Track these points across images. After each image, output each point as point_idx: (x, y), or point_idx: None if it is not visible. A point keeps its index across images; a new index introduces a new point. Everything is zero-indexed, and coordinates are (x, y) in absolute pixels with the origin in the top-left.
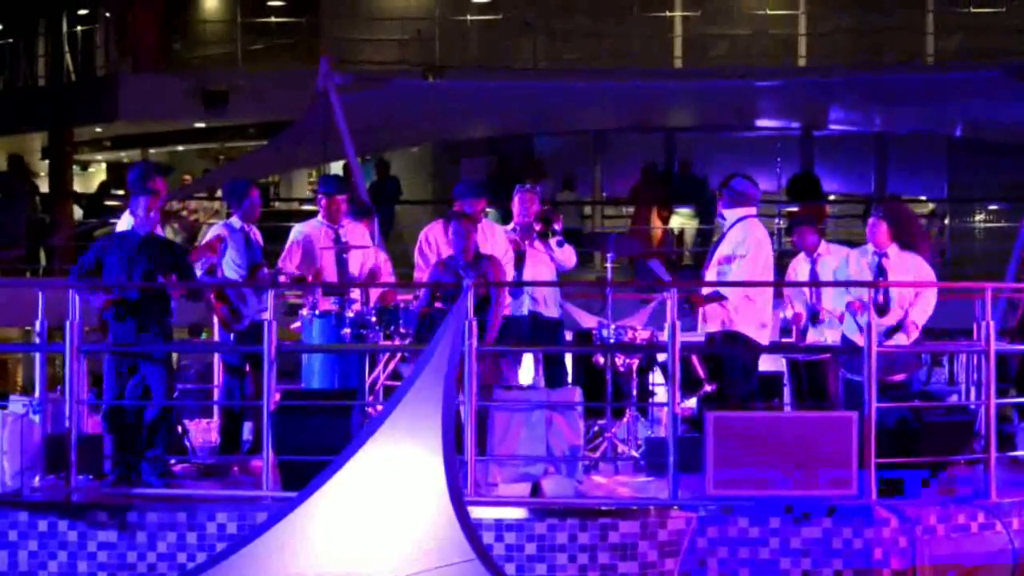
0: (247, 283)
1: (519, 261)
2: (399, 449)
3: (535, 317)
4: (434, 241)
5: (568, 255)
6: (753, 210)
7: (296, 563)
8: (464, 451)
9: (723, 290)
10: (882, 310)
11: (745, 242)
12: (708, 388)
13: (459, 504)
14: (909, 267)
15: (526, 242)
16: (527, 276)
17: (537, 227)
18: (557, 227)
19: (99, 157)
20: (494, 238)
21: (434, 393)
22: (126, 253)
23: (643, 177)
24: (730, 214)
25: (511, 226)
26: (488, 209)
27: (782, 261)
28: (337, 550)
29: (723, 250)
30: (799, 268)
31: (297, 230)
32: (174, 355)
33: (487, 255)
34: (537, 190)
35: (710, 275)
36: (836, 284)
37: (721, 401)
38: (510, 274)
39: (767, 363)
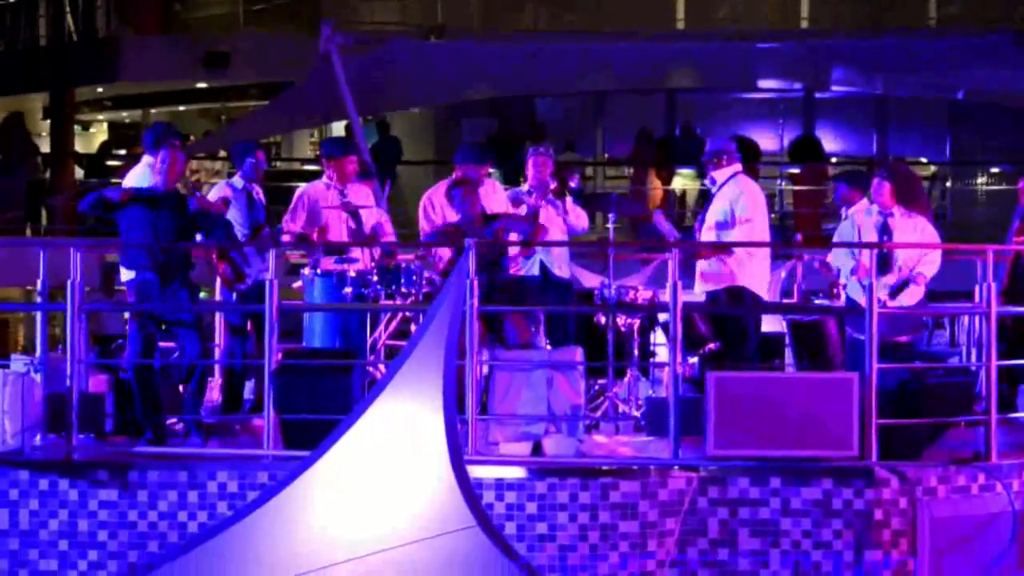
0: (250, 243)
1: (533, 221)
2: (402, 412)
3: (546, 274)
4: (437, 204)
5: (580, 218)
6: (739, 165)
7: (299, 532)
8: (466, 411)
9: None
10: (886, 268)
11: (741, 201)
12: (711, 346)
13: (460, 470)
14: (914, 228)
15: (541, 202)
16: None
17: (553, 185)
18: (573, 185)
19: (100, 117)
20: (496, 198)
21: (436, 354)
22: (150, 209)
23: (643, 139)
24: (720, 175)
25: (525, 187)
26: (491, 170)
27: (784, 222)
28: (340, 518)
29: (719, 207)
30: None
31: (302, 190)
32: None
33: (497, 213)
34: (550, 152)
35: (706, 236)
36: (840, 245)
37: (725, 359)
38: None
39: (769, 324)
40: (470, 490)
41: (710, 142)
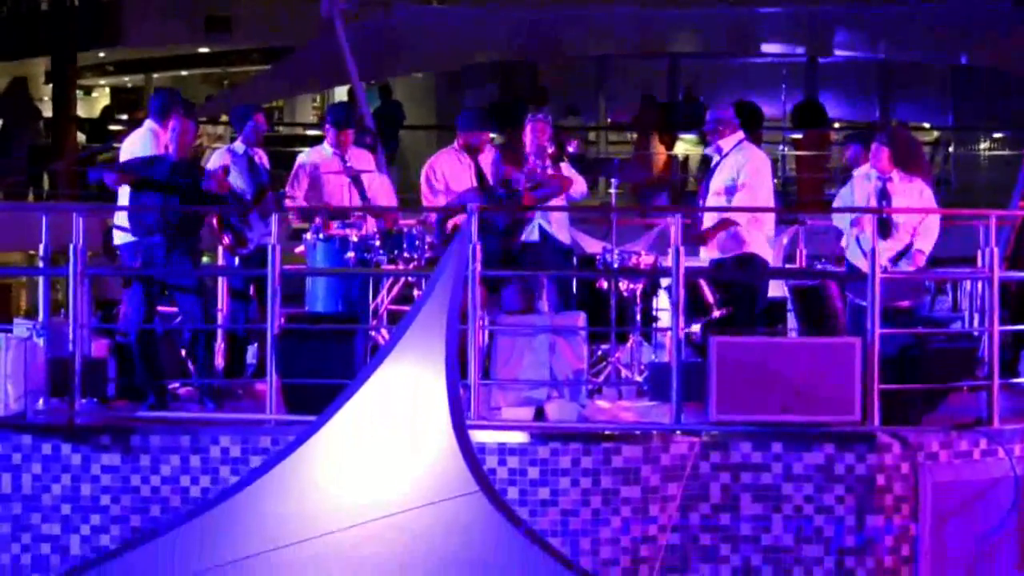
0: (253, 207)
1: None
2: (405, 378)
3: (546, 239)
4: (440, 171)
5: (578, 183)
6: (741, 133)
7: (303, 498)
8: (468, 376)
9: (730, 217)
10: (885, 232)
11: (744, 168)
12: (717, 313)
13: (463, 436)
14: (913, 192)
15: (535, 172)
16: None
17: (550, 150)
18: (571, 150)
19: (102, 82)
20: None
21: (439, 320)
22: (161, 177)
23: (647, 104)
24: (725, 143)
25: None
26: (492, 136)
27: (787, 188)
28: (343, 484)
29: (723, 176)
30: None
31: (303, 157)
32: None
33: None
34: (548, 118)
35: (710, 204)
36: (841, 210)
37: (731, 325)
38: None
39: (771, 289)
40: (473, 456)
41: (709, 112)
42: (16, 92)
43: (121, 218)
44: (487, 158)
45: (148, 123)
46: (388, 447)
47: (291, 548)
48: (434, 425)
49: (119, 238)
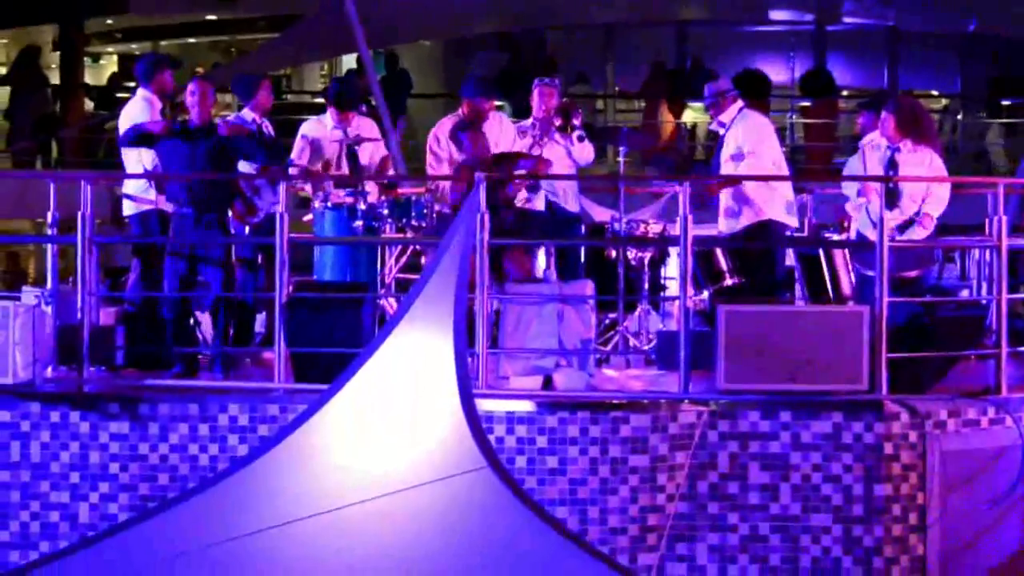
0: (261, 175)
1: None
2: (414, 351)
3: (553, 210)
4: (443, 139)
5: (587, 151)
6: (740, 102)
7: (312, 473)
8: (476, 345)
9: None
10: (892, 202)
11: (746, 136)
12: (730, 281)
13: (471, 411)
14: (921, 161)
15: (544, 137)
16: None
17: (557, 121)
18: (576, 122)
19: (110, 49)
20: (503, 133)
21: (448, 290)
22: (185, 142)
23: (654, 71)
24: (726, 116)
25: (530, 120)
26: (500, 103)
27: (794, 156)
28: (352, 460)
29: (730, 148)
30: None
31: (305, 127)
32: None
33: (505, 153)
34: (556, 83)
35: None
36: (849, 179)
37: (745, 294)
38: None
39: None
40: (481, 431)
41: (707, 87)
42: (24, 60)
43: (131, 187)
44: (492, 126)
45: (140, 92)
46: (396, 422)
47: (300, 523)
48: (442, 400)
49: (128, 208)
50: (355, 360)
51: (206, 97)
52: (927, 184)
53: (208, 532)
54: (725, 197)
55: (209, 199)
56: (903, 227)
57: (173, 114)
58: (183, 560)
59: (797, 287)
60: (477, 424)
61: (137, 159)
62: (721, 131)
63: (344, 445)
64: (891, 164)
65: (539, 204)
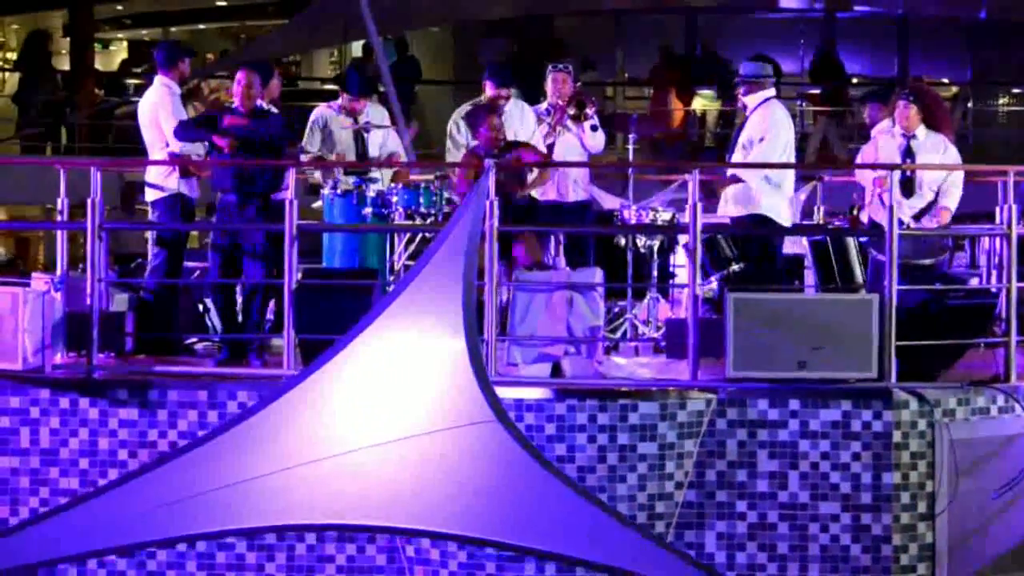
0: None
1: (549, 147)
2: (418, 322)
3: (559, 205)
4: (463, 125)
5: (599, 140)
6: (772, 91)
7: (321, 420)
8: (485, 332)
9: (743, 174)
10: (909, 190)
11: (763, 125)
12: (737, 267)
13: (478, 366)
14: (937, 148)
15: (557, 125)
16: (556, 158)
17: (571, 111)
18: (590, 111)
19: (120, 35)
20: (524, 121)
21: (453, 270)
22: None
23: (663, 58)
24: (750, 100)
25: (544, 105)
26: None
27: (803, 144)
28: (361, 408)
29: (746, 135)
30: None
31: (316, 114)
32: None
33: (518, 142)
34: (569, 69)
35: (736, 160)
36: (864, 166)
37: (749, 281)
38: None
39: (789, 245)
40: (489, 386)
41: (745, 65)
42: (38, 45)
43: (152, 174)
44: (513, 114)
45: (158, 78)
46: (404, 375)
47: (307, 466)
48: (451, 359)
49: (151, 194)
50: (366, 316)
51: (252, 87)
52: (944, 172)
53: (221, 475)
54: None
55: (254, 185)
56: (918, 215)
57: (193, 101)
58: (195, 503)
59: (810, 275)
60: (485, 379)
61: (161, 146)
62: (745, 112)
63: (353, 394)
64: (907, 152)
65: (550, 193)
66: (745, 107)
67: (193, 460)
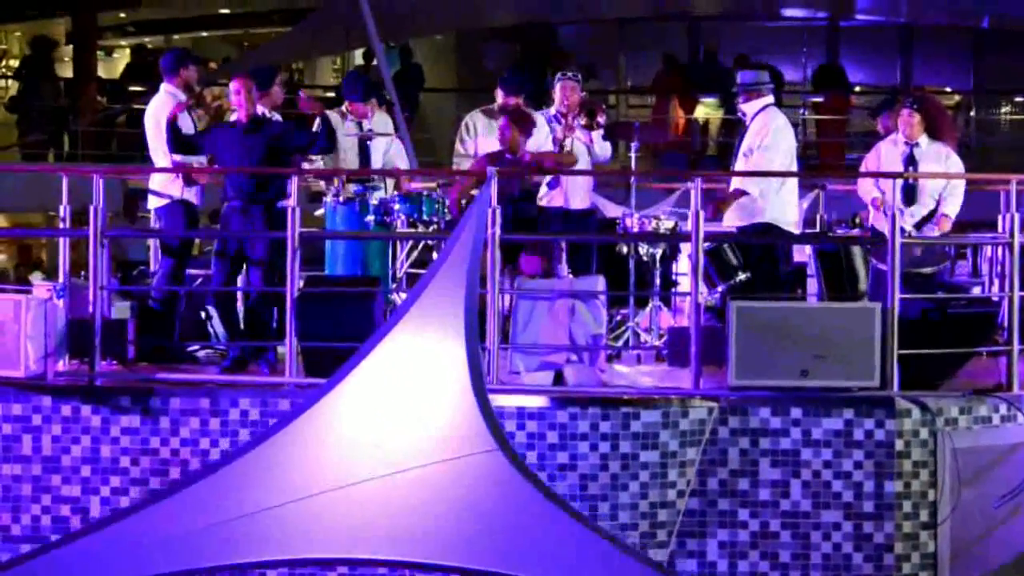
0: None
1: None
2: (423, 338)
3: (566, 213)
4: (473, 127)
5: (607, 149)
6: (770, 98)
7: (323, 452)
8: (487, 340)
9: (745, 184)
10: (911, 198)
11: (763, 132)
12: (743, 276)
13: (481, 395)
14: (940, 157)
15: (568, 133)
16: None
17: (582, 120)
18: (601, 119)
19: (123, 43)
20: (538, 129)
21: (458, 282)
22: (234, 138)
23: (666, 66)
24: (749, 107)
25: (552, 112)
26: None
27: (805, 152)
28: (363, 439)
29: (746, 143)
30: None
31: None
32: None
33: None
34: (578, 77)
35: (736, 168)
36: (866, 175)
37: (754, 290)
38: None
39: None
40: (491, 414)
41: (744, 74)
42: (41, 52)
43: (156, 181)
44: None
45: (164, 86)
46: (407, 405)
47: (309, 500)
48: (453, 386)
49: (154, 201)
50: (368, 341)
51: (250, 93)
52: (945, 181)
53: (223, 509)
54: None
55: (257, 192)
56: (920, 224)
57: (196, 108)
58: (198, 537)
59: (814, 283)
60: (488, 407)
61: (164, 152)
62: (746, 120)
63: (357, 424)
64: (910, 161)
65: (557, 200)
66: (744, 115)
67: (194, 494)
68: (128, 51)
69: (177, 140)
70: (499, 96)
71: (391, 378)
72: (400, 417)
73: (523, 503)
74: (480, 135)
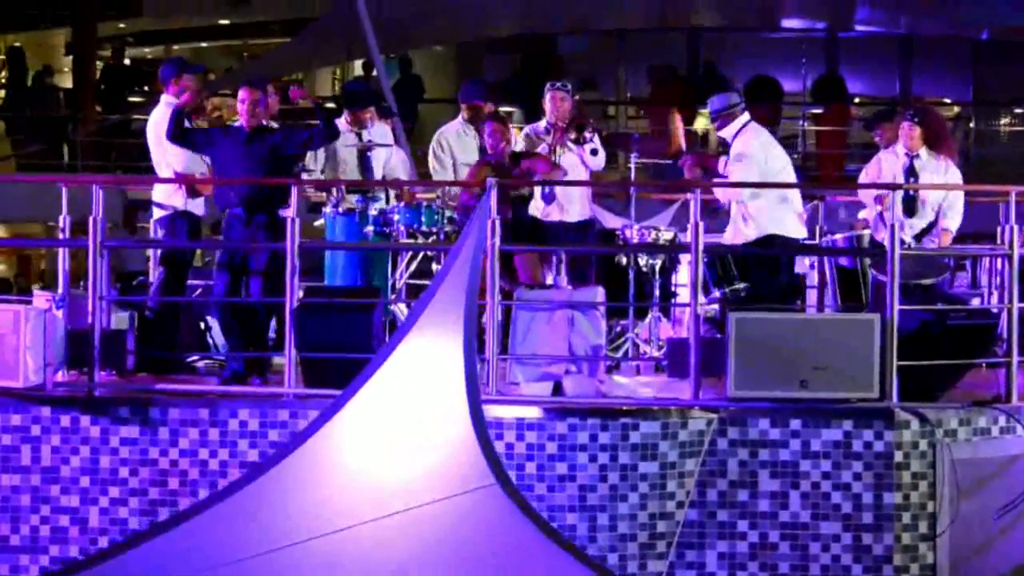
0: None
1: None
2: (424, 358)
3: (562, 223)
4: (446, 144)
5: (599, 161)
6: (745, 116)
7: (322, 491)
8: (486, 350)
9: (728, 193)
10: (911, 210)
11: (736, 150)
12: (740, 286)
13: (480, 428)
14: (939, 169)
15: (557, 145)
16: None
17: (571, 136)
18: (589, 135)
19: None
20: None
21: (458, 299)
22: (237, 147)
23: (666, 78)
24: (727, 132)
25: (543, 123)
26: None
27: (805, 163)
28: (362, 477)
29: (728, 165)
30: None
31: None
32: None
33: (524, 152)
34: (568, 88)
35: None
36: (866, 186)
37: (752, 301)
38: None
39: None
40: (490, 445)
41: (712, 101)
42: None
43: (157, 192)
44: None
45: (164, 97)
46: (407, 434)
47: (312, 542)
48: (452, 413)
49: (158, 214)
50: (365, 369)
51: (255, 106)
52: (945, 193)
53: (219, 551)
54: (734, 207)
55: (260, 200)
56: (920, 235)
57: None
58: None
59: (813, 295)
60: (486, 438)
61: (167, 163)
62: (729, 141)
63: (355, 459)
64: (910, 172)
65: (554, 215)
66: (724, 140)
67: (185, 534)
68: (127, 62)
69: (179, 127)
70: (463, 111)
71: (388, 409)
72: (399, 449)
73: (522, 540)
74: (454, 148)
